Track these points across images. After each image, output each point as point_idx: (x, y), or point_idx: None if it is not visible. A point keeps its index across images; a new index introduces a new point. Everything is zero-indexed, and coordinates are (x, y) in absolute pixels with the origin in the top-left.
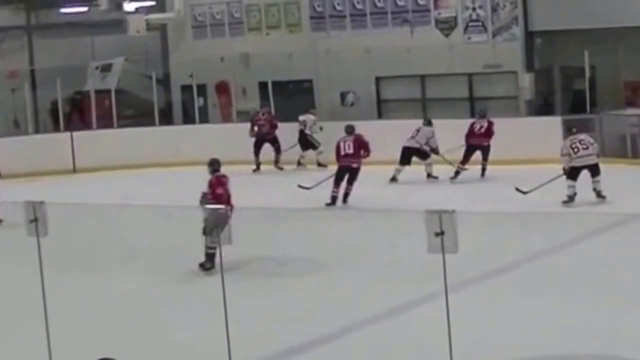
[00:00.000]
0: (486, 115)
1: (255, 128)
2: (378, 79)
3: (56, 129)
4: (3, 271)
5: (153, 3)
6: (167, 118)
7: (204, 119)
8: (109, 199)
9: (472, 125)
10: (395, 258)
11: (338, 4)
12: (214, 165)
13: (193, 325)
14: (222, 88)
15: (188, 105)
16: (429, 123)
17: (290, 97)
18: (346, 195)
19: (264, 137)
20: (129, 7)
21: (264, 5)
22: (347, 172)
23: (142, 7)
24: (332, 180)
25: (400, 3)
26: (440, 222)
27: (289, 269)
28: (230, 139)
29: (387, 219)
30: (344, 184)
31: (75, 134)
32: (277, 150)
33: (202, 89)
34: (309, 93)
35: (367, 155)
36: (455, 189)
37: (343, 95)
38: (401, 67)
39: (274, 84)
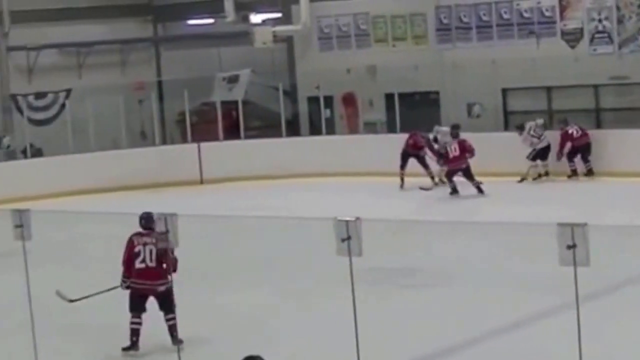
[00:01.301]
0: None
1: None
2: (504, 91)
3: (183, 140)
4: None
5: (279, 15)
6: (293, 129)
7: (331, 130)
8: (236, 210)
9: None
10: (523, 270)
11: (464, 16)
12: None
13: (321, 334)
14: (349, 99)
15: (315, 117)
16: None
17: (416, 108)
18: (478, 187)
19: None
20: (255, 19)
21: (390, 17)
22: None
23: (268, 19)
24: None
25: (526, 14)
26: (572, 235)
27: (416, 280)
28: (356, 150)
29: (514, 232)
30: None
31: (202, 144)
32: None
33: (328, 101)
34: (435, 105)
35: (472, 156)
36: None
37: (469, 107)
38: (527, 79)
39: (400, 95)
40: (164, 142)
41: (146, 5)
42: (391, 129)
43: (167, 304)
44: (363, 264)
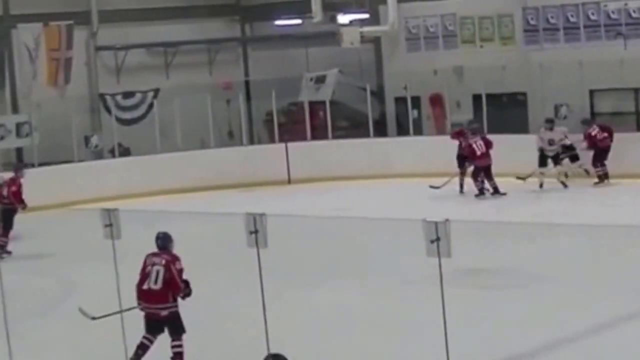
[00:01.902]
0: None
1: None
2: (591, 92)
3: (271, 140)
4: (224, 281)
5: (367, 16)
6: (381, 130)
7: (418, 131)
8: (323, 211)
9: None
10: (611, 271)
11: (552, 17)
12: None
13: (409, 334)
14: (436, 100)
15: (402, 117)
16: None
17: (504, 110)
18: (495, 189)
19: None
20: (342, 19)
21: (477, 18)
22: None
23: (356, 20)
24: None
25: (613, 16)
26: None
27: (500, 281)
28: (444, 151)
29: (599, 234)
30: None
31: (290, 144)
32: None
33: (416, 101)
34: (522, 106)
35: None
36: None
37: (557, 108)
38: (614, 80)
39: (488, 96)
40: (251, 142)
41: (234, 5)
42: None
43: (171, 328)
44: (450, 265)
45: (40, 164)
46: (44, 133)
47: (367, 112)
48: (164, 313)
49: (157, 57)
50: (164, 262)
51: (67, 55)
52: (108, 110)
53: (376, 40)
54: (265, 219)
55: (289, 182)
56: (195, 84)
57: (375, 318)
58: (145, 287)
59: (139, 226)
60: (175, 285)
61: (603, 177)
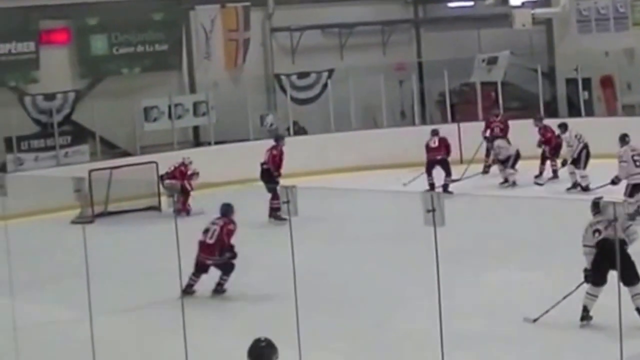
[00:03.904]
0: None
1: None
2: None
3: (443, 120)
4: (401, 256)
5: None
6: (552, 111)
7: (589, 112)
8: (497, 190)
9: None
10: None
11: None
12: None
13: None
14: (607, 82)
15: (573, 99)
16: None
17: None
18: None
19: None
20: (514, 1)
21: None
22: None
23: (527, 2)
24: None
25: None
26: None
27: None
28: (615, 133)
29: None
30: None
31: (462, 125)
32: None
33: (586, 83)
34: None
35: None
36: None
37: None
38: None
39: None
40: (423, 122)
41: None
42: None
43: (220, 268)
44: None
45: (217, 142)
46: (220, 112)
47: (538, 94)
48: (209, 262)
49: (332, 38)
50: (221, 223)
51: (244, 36)
52: (283, 90)
53: (547, 22)
54: (442, 197)
55: (461, 161)
56: (368, 64)
57: (545, 294)
58: (202, 238)
59: (314, 203)
60: (223, 243)
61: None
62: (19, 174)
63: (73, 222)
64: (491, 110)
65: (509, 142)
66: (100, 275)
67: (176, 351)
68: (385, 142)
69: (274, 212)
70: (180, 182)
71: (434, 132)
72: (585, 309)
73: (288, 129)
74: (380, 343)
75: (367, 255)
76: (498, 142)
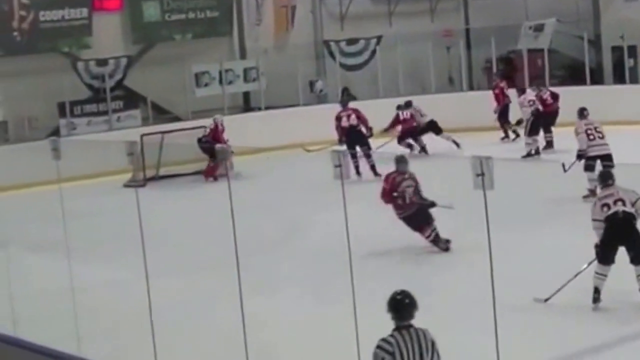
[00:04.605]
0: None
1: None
2: None
3: (489, 86)
4: (451, 222)
5: None
6: (597, 78)
7: (634, 79)
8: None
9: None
10: None
11: None
12: None
13: None
14: None
15: (618, 66)
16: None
17: None
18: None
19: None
20: None
21: None
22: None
23: None
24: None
25: None
26: None
27: None
28: None
29: None
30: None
31: (510, 91)
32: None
33: (632, 50)
34: None
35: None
36: None
37: None
38: None
39: None
40: (470, 88)
41: None
42: None
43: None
44: None
45: (267, 108)
46: (270, 78)
47: (584, 61)
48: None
49: (380, 5)
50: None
51: (294, 3)
52: (332, 56)
53: None
54: (492, 162)
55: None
56: (416, 31)
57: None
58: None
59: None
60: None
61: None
62: (72, 139)
63: (125, 186)
64: (537, 78)
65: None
66: (154, 237)
67: (231, 316)
68: (433, 108)
69: (374, 169)
70: (220, 143)
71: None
72: (597, 290)
73: (342, 94)
74: (431, 307)
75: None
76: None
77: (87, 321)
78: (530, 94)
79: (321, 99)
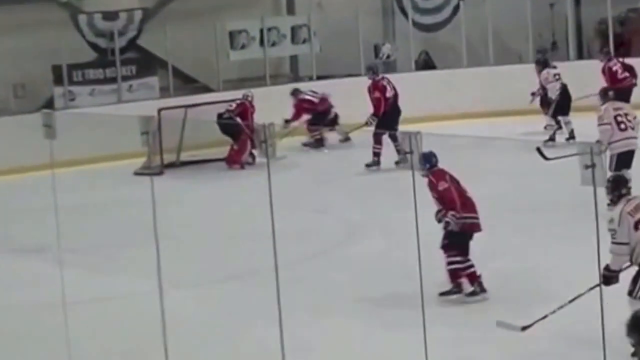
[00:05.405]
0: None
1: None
2: None
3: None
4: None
5: None
6: None
7: None
8: None
9: None
10: None
11: None
12: None
13: None
14: None
15: None
16: None
17: None
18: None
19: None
20: None
21: None
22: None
23: None
24: None
25: None
26: None
27: None
28: None
29: None
30: None
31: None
32: None
33: None
34: None
35: None
36: None
37: None
38: None
39: None
40: (579, 56)
41: None
42: None
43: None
44: None
45: (319, 77)
46: (324, 39)
47: None
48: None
49: None
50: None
51: None
52: (404, 12)
53: None
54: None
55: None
56: None
57: None
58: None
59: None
60: None
61: None
62: (71, 112)
63: (137, 173)
64: None
65: None
66: (172, 240)
67: (268, 338)
68: (530, 81)
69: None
70: (247, 123)
71: None
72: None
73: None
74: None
75: (499, 219)
76: None
77: (81, 342)
78: (553, 68)
79: (389, 66)
